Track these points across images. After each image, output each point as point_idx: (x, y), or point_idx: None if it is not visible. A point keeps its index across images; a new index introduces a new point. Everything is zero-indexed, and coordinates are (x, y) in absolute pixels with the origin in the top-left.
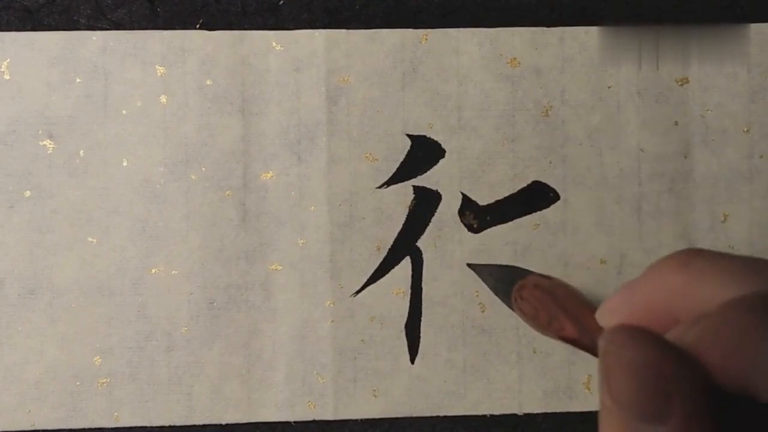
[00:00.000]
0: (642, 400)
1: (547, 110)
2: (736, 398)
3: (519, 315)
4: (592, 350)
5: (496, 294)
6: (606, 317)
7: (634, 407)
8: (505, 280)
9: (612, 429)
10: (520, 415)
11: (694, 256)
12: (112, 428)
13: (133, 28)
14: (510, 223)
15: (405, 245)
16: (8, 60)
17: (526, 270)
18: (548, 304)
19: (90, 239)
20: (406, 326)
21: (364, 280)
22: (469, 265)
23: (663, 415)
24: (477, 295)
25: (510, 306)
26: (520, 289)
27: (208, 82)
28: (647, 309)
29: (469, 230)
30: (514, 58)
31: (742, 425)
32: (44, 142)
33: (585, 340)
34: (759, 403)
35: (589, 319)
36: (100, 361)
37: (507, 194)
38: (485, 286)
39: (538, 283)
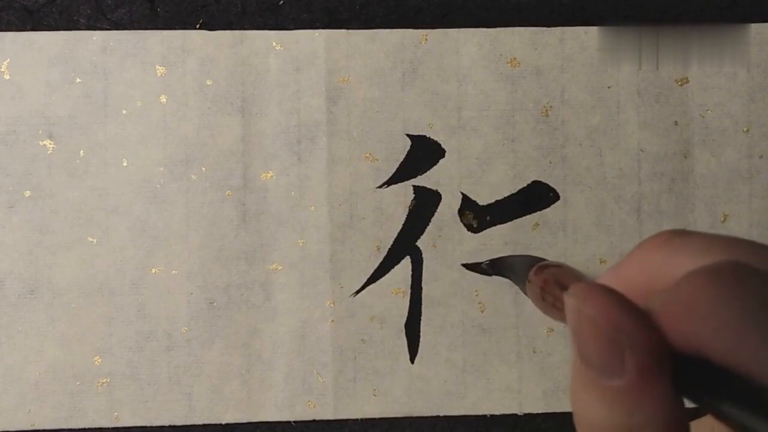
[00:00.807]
0: (599, 354)
1: (547, 110)
2: (695, 361)
3: (530, 299)
4: None
5: (517, 283)
6: None
7: (594, 361)
8: (523, 268)
9: (577, 382)
10: (520, 415)
11: (674, 236)
12: (112, 428)
13: (133, 28)
14: (510, 223)
15: (405, 245)
16: (8, 60)
17: (540, 258)
18: (553, 287)
19: (90, 239)
20: (406, 326)
21: (364, 280)
22: (491, 260)
23: (617, 369)
24: (477, 295)
25: (523, 290)
26: (534, 275)
27: (208, 82)
28: (630, 286)
29: (469, 230)
30: (514, 58)
31: (695, 386)
32: (44, 142)
33: None
34: (714, 366)
35: None
36: (100, 361)
37: (507, 194)
38: (485, 285)
39: (547, 268)
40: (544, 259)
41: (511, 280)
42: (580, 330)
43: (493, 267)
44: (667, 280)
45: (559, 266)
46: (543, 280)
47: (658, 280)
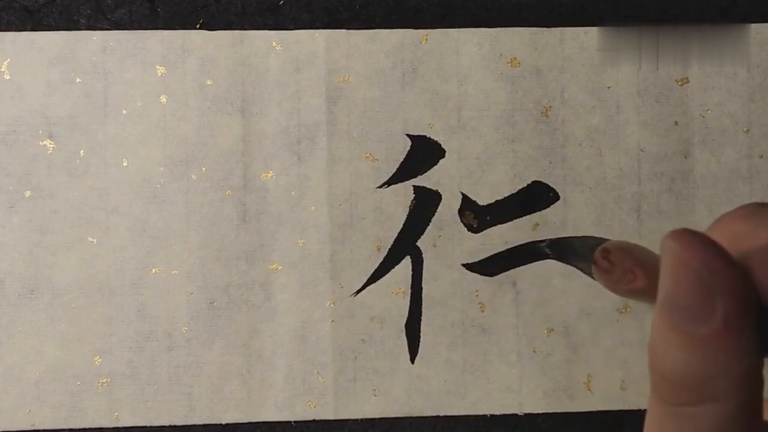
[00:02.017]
0: (689, 299)
1: (547, 110)
2: None
3: (595, 274)
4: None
5: (579, 265)
6: None
7: (681, 305)
8: (586, 250)
9: (658, 328)
10: (520, 415)
11: (758, 207)
12: (112, 428)
13: (133, 28)
14: (510, 223)
15: (405, 245)
16: (8, 60)
17: (602, 238)
18: (625, 261)
19: (90, 239)
20: (406, 326)
21: (364, 280)
22: (552, 240)
23: (705, 315)
24: (477, 295)
25: (587, 271)
26: (603, 251)
27: (208, 82)
28: None
29: (469, 230)
30: (514, 58)
31: None
32: (44, 142)
33: (655, 289)
34: None
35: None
36: (100, 361)
37: (507, 194)
38: (485, 285)
39: (620, 245)
40: (606, 239)
41: (572, 263)
42: (674, 272)
43: (553, 249)
44: (752, 248)
45: (626, 243)
46: (612, 256)
47: (742, 248)
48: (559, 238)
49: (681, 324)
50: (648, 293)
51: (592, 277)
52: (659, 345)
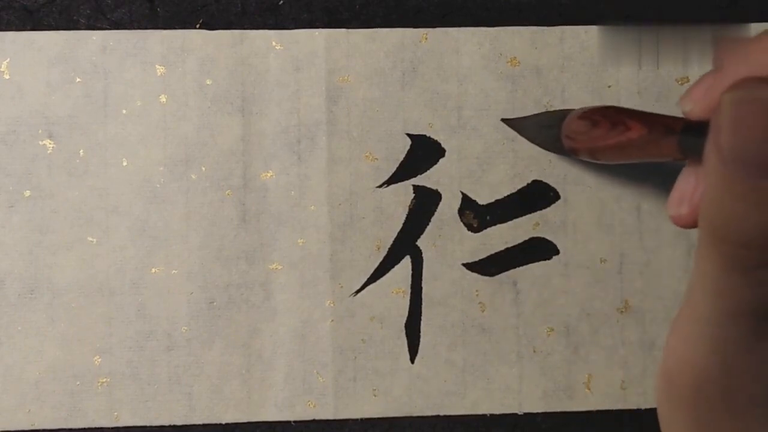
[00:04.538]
0: (759, 149)
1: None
2: None
3: (570, 137)
4: (657, 147)
5: (535, 140)
6: (692, 102)
7: (753, 157)
8: (550, 124)
9: (718, 186)
10: (520, 415)
11: None
12: (112, 428)
13: (133, 28)
14: (510, 222)
15: (405, 245)
16: (8, 60)
17: (565, 109)
18: (613, 113)
19: (90, 239)
20: (406, 326)
21: (364, 279)
22: (504, 120)
23: None
24: (477, 295)
25: (549, 145)
26: (580, 114)
27: (208, 82)
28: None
29: (469, 230)
30: (514, 58)
31: None
32: (44, 142)
33: (655, 134)
34: None
35: (658, 117)
36: (100, 361)
37: (507, 194)
38: (485, 285)
39: (598, 107)
40: (570, 109)
41: (532, 138)
42: (744, 123)
43: (512, 126)
44: None
45: (601, 106)
46: (593, 115)
47: None
48: (515, 119)
49: (747, 178)
50: (644, 139)
51: (554, 151)
52: (721, 203)
